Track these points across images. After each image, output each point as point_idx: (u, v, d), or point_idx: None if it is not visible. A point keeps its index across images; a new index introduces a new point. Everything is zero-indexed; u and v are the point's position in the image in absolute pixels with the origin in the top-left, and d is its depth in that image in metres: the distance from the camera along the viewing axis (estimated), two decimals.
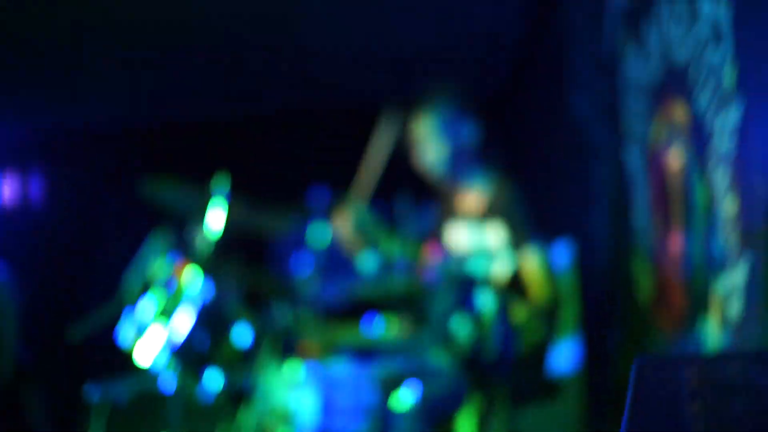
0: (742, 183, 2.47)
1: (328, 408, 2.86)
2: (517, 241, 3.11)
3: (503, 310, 1.83)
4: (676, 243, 3.19)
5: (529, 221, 3.10)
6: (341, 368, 3.05)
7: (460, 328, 2.01)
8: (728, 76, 2.52)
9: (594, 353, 4.93)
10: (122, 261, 5.53)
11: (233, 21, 5.95)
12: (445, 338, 1.84)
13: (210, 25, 6.02)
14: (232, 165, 8.89)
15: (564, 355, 4.58)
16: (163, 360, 2.86)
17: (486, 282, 1.87)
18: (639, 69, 3.54)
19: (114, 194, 9.21)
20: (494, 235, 3.16)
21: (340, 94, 8.41)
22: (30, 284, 7.56)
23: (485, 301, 1.84)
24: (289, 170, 9.18)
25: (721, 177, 2.63)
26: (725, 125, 2.57)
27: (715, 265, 2.74)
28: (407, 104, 3.28)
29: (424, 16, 6.07)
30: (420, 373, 3.01)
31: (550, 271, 3.11)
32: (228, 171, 8.50)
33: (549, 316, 3.16)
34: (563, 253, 4.73)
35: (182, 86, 7.58)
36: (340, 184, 8.18)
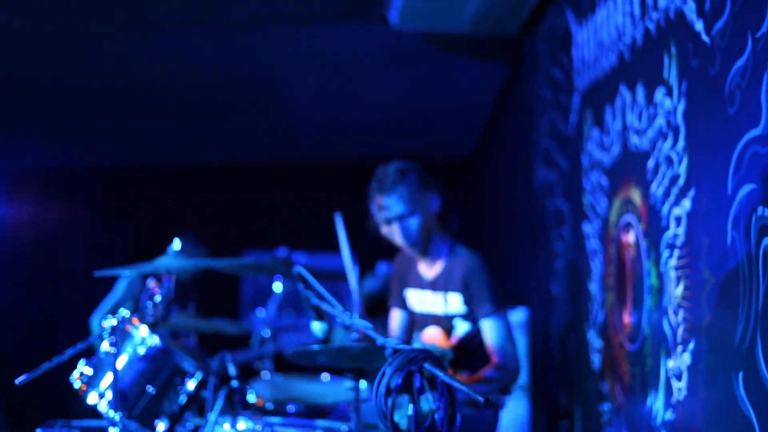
0: (689, 269, 2.62)
1: None
2: (478, 308, 3.20)
3: (449, 379, 1.91)
4: (628, 318, 3.32)
5: (490, 289, 3.20)
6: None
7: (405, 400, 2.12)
8: (681, 167, 2.69)
9: (543, 416, 5.04)
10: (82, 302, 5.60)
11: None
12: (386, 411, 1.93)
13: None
14: (195, 213, 9.10)
15: (514, 418, 4.69)
16: (112, 406, 2.91)
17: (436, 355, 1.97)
18: (600, 150, 3.71)
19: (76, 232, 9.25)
20: (454, 303, 3.26)
21: (313, 151, 8.58)
22: None
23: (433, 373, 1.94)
24: (252, 222, 9.32)
25: (671, 261, 2.78)
26: (677, 212, 2.73)
27: (664, 345, 2.88)
28: (376, 172, 3.35)
29: (397, 86, 6.26)
30: None
31: (509, 337, 3.21)
32: (191, 220, 8.59)
33: (503, 381, 3.25)
34: (520, 319, 4.87)
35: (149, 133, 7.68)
36: (305, 238, 8.40)
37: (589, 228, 3.92)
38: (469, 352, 3.30)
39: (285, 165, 9.21)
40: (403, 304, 3.53)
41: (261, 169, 9.27)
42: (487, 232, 7.82)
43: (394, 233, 3.24)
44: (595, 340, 3.87)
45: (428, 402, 1.98)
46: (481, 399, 1.90)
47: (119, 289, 5.30)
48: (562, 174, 4.52)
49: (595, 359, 3.86)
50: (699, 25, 2.53)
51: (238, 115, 6.97)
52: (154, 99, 6.50)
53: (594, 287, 3.87)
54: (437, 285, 3.32)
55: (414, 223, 3.21)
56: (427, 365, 1.98)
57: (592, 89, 3.87)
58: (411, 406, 2.00)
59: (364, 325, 2.58)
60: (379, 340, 2.41)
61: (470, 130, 7.74)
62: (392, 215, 3.20)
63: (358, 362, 2.66)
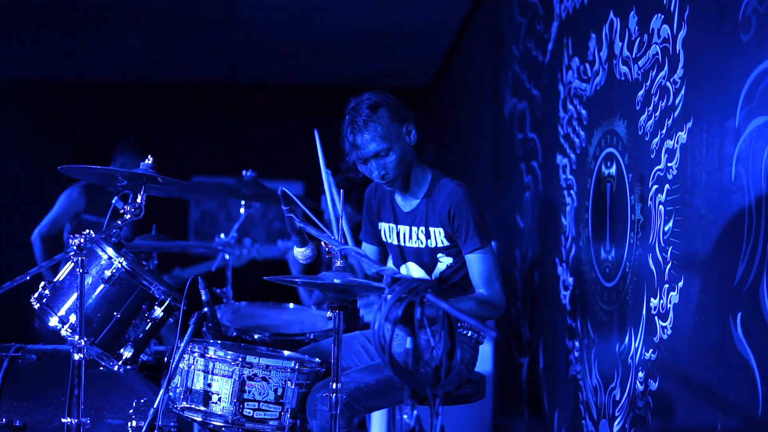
0: (681, 204, 2.52)
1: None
2: (463, 243, 3.07)
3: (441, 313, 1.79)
4: (605, 254, 3.23)
5: (476, 223, 3.06)
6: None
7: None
8: (677, 98, 2.56)
9: (505, 350, 4.99)
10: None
11: None
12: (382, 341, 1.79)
13: None
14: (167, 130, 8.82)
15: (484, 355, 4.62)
16: (75, 331, 2.75)
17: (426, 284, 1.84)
18: (580, 80, 3.57)
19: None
20: (436, 237, 3.13)
21: (278, 73, 8.34)
22: None
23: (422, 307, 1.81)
24: (223, 142, 9.09)
25: (660, 196, 2.67)
26: (669, 145, 2.61)
27: (647, 282, 2.79)
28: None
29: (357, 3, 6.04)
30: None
31: (496, 272, 3.08)
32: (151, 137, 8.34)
33: (488, 316, 3.13)
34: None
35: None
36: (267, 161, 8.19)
37: (564, 161, 3.80)
38: (450, 286, 3.18)
39: (239, 87, 8.95)
40: (375, 239, 3.38)
41: (212, 89, 9.00)
42: (449, 163, 7.69)
43: (371, 171, 3.07)
44: (565, 275, 3.78)
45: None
46: (493, 333, 1.77)
47: (59, 203, 5.07)
48: (535, 104, 4.38)
49: (565, 294, 3.78)
50: None
51: (191, 29, 6.67)
52: (105, 9, 6.17)
53: (566, 221, 3.77)
54: (417, 218, 3.16)
55: (392, 159, 3.04)
56: (429, 296, 1.84)
57: (574, 16, 3.71)
58: (409, 340, 1.87)
59: (355, 250, 2.43)
60: (374, 268, 2.26)
61: (433, 54, 7.54)
62: (368, 154, 3.02)
63: (342, 293, 2.51)
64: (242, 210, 4.26)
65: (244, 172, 4.16)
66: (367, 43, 7.08)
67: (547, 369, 4.07)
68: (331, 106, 3.13)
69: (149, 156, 2.81)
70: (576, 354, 3.58)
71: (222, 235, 4.34)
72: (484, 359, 4.67)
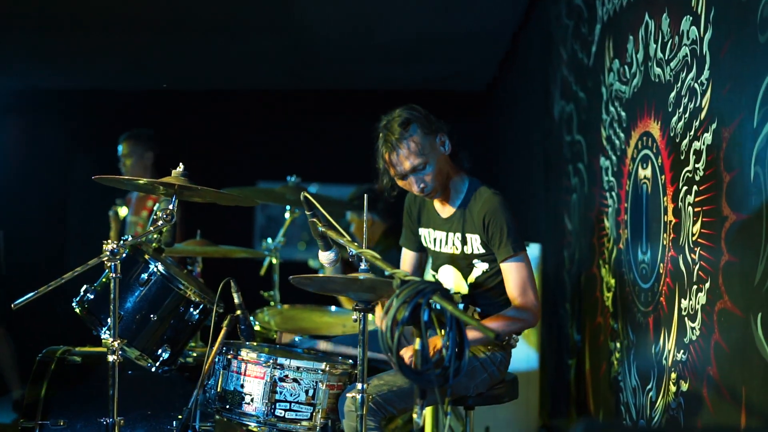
0: (708, 206, 2.52)
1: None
2: (497, 251, 3.10)
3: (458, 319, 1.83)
4: (642, 255, 3.24)
5: (510, 231, 3.09)
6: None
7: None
8: (704, 99, 2.56)
9: (553, 352, 5.00)
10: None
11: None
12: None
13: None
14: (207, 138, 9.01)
15: (525, 355, 4.64)
16: (114, 333, 2.86)
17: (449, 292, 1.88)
18: (620, 82, 3.58)
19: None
20: (472, 244, 3.17)
21: (336, 77, 8.42)
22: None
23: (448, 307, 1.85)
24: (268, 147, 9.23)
25: (689, 198, 2.68)
26: (696, 146, 2.62)
27: (678, 283, 2.79)
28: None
29: (416, 10, 6.08)
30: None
31: (530, 280, 3.10)
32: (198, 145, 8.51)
33: (522, 323, 3.15)
34: (534, 255, 4.79)
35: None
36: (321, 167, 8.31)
37: (607, 163, 3.81)
38: (485, 290, 3.22)
39: (299, 92, 9.06)
40: (414, 245, 3.44)
41: (273, 95, 9.13)
42: (503, 165, 7.70)
43: (411, 186, 3.13)
44: (608, 277, 3.79)
45: None
46: (492, 335, 1.82)
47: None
48: (581, 106, 4.39)
49: (608, 297, 3.78)
50: None
51: (250, 35, 6.78)
52: (161, 15, 6.31)
53: (609, 223, 3.77)
54: (455, 225, 3.21)
55: (429, 172, 3.09)
56: (436, 298, 1.89)
57: (614, 18, 3.72)
58: (418, 340, 1.92)
59: (371, 255, 2.49)
60: (387, 270, 2.32)
61: (490, 59, 7.56)
62: (405, 171, 3.08)
63: (366, 294, 2.57)
64: (287, 215, 4.36)
65: (288, 178, 4.26)
66: (426, 48, 7.12)
67: (593, 370, 4.07)
68: (390, 110, 3.19)
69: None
70: (617, 355, 3.59)
71: (269, 240, 4.44)
72: (531, 360, 4.70)
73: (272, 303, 4.23)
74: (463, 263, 3.23)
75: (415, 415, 1.95)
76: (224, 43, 7.06)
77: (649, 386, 3.11)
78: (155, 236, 3.00)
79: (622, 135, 3.56)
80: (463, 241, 3.20)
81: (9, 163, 8.08)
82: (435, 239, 3.30)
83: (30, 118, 8.75)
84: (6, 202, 7.83)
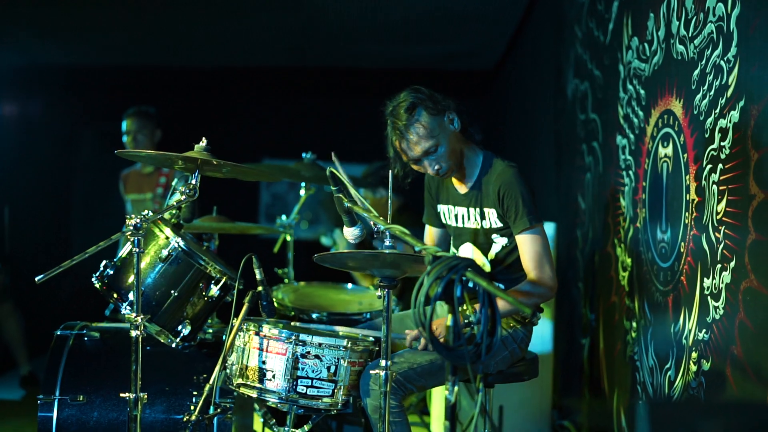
0: (734, 184, 2.50)
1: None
2: (513, 223, 3.08)
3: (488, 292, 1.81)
4: (662, 234, 3.22)
5: (525, 203, 3.06)
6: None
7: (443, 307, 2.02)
8: (731, 76, 2.54)
9: (566, 331, 5.00)
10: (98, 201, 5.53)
11: None
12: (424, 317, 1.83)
13: None
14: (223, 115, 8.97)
15: (538, 333, 4.64)
16: (134, 309, 2.84)
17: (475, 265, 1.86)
18: (639, 60, 3.55)
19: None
20: (490, 218, 3.15)
21: (343, 56, 8.36)
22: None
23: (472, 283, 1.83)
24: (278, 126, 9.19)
25: (714, 176, 2.66)
26: (722, 124, 2.60)
27: (701, 263, 2.78)
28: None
29: None
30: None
31: (546, 253, 3.08)
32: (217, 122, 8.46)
33: (539, 297, 3.13)
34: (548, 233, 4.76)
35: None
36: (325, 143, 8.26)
37: (624, 141, 3.78)
38: (506, 266, 3.20)
39: (306, 69, 9.01)
40: (436, 221, 3.42)
41: (279, 72, 9.08)
42: (512, 144, 7.67)
43: (426, 169, 3.11)
44: (623, 256, 3.77)
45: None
46: (528, 311, 1.80)
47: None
48: (596, 84, 4.36)
49: (623, 276, 3.77)
50: None
51: (257, 12, 6.73)
52: None
53: (625, 202, 3.75)
54: (472, 200, 3.20)
55: (442, 152, 3.07)
56: (469, 274, 1.88)
57: None
58: (450, 317, 1.91)
59: (400, 230, 2.47)
60: (418, 246, 2.31)
61: (498, 36, 7.50)
62: (417, 155, 3.06)
63: (389, 270, 2.56)
64: (302, 191, 4.34)
65: (303, 155, 4.24)
66: (434, 26, 7.07)
67: (607, 350, 4.06)
68: (398, 89, 3.16)
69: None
70: (633, 335, 3.58)
71: (284, 217, 4.43)
72: (545, 340, 4.69)
73: (286, 280, 4.22)
74: (484, 239, 3.21)
75: (447, 392, 1.94)
76: (230, 20, 7.01)
77: (668, 365, 3.10)
78: (174, 212, 2.98)
79: (641, 113, 3.54)
80: (482, 216, 3.18)
81: (13, 139, 8.04)
82: (456, 215, 3.28)
83: (34, 94, 8.71)
84: (10, 178, 7.80)
